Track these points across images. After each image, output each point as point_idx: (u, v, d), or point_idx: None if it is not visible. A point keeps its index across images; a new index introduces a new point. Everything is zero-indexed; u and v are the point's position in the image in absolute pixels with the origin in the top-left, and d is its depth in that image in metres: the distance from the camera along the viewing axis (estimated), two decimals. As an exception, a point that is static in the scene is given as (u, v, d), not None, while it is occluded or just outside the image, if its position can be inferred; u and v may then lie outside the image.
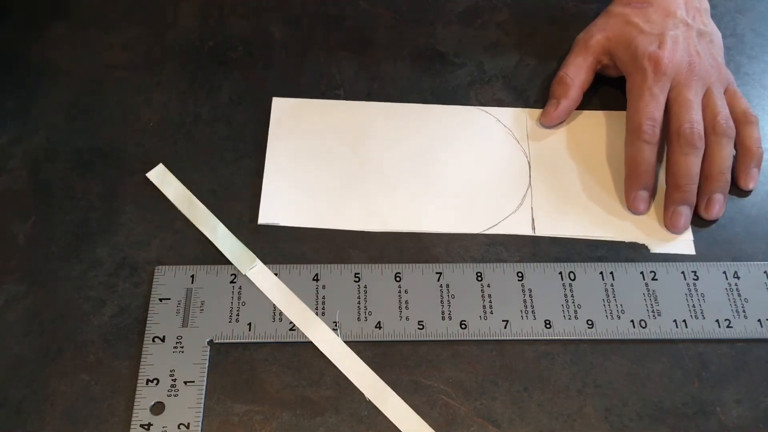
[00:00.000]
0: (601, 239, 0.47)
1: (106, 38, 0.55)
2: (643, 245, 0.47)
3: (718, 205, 0.47)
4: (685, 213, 0.46)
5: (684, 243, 0.47)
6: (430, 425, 0.40)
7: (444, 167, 0.49)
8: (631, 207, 0.47)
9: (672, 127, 0.47)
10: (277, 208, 0.47)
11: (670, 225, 0.46)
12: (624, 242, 0.46)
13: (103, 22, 0.56)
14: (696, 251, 0.46)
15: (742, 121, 0.49)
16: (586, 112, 0.52)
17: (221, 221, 0.47)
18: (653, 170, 0.47)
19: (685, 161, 0.46)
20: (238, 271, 0.45)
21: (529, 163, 0.50)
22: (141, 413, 0.40)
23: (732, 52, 0.55)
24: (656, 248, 0.46)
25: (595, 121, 0.52)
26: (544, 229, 0.47)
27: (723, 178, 0.47)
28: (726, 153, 0.47)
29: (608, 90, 0.53)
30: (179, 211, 0.47)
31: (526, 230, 0.47)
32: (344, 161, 0.49)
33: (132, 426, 0.39)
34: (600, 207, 0.48)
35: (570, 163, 0.50)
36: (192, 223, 0.47)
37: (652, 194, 0.48)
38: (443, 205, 0.48)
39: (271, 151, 0.50)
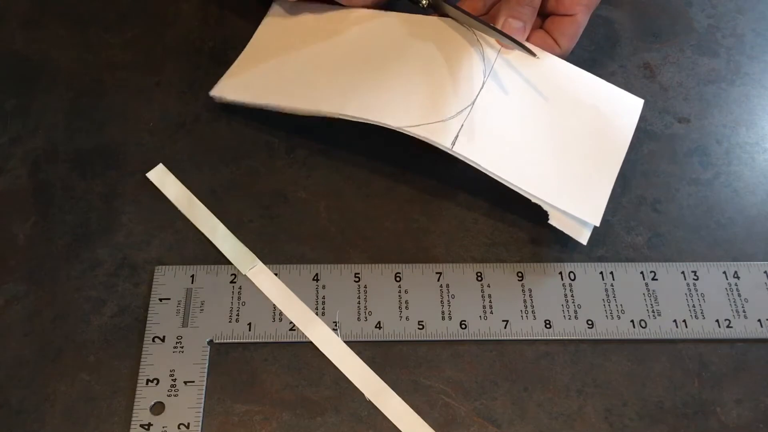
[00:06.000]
0: (510, 185, 0.44)
1: (106, 38, 0.55)
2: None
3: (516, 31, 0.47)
4: (516, 26, 0.47)
5: (581, 229, 0.44)
6: (430, 425, 0.40)
7: (392, 53, 0.48)
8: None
9: None
10: (235, 83, 0.49)
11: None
12: (622, 244, 0.46)
13: (103, 22, 0.56)
14: (695, 251, 0.46)
15: None
16: (574, 70, 0.48)
17: (221, 221, 0.47)
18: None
19: None
20: (238, 271, 0.45)
21: (484, 82, 0.46)
22: (141, 413, 0.40)
23: (732, 52, 0.55)
24: (553, 221, 0.43)
25: (582, 87, 0.48)
26: (464, 149, 0.44)
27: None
28: None
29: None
30: (179, 211, 0.47)
31: (444, 142, 0.43)
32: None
33: (132, 426, 0.39)
34: (533, 157, 0.45)
35: (526, 107, 0.47)
36: (192, 223, 0.47)
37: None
38: (379, 92, 0.46)
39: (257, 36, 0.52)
